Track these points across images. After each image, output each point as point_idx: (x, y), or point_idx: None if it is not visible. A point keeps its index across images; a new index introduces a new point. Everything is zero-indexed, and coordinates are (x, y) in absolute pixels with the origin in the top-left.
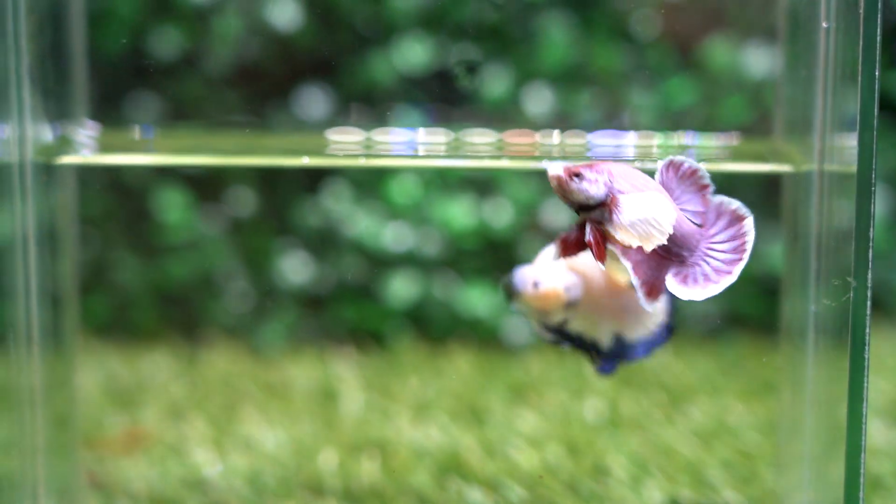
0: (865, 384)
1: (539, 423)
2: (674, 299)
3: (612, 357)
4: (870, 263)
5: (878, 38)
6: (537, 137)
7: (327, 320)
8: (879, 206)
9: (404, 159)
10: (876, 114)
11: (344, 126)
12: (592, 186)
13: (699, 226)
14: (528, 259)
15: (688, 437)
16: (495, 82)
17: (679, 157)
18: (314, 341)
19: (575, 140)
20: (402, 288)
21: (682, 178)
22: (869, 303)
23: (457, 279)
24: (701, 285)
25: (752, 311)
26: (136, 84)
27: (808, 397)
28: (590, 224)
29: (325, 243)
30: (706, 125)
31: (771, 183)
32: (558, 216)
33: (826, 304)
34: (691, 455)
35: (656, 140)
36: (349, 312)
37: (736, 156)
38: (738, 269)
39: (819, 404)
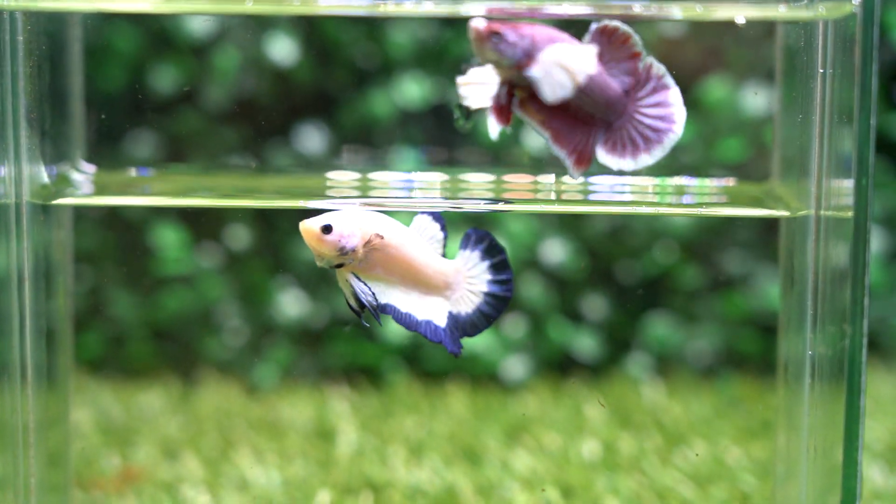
0: (861, 431)
1: (535, 463)
2: (499, 261)
3: (451, 335)
4: (865, 310)
5: (874, 85)
6: (536, 178)
7: (322, 357)
8: (876, 245)
9: (401, 202)
10: (872, 160)
11: (341, 164)
12: (509, 48)
13: (627, 91)
14: (527, 299)
15: (684, 478)
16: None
17: (613, 23)
18: (309, 379)
19: (572, 180)
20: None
21: (613, 44)
22: (864, 350)
23: None
24: (630, 154)
25: (749, 350)
26: (134, 121)
27: (804, 440)
28: (502, 87)
29: (320, 280)
30: (703, 163)
31: (768, 223)
32: (556, 252)
33: (822, 351)
34: (688, 497)
35: (653, 182)
36: (344, 350)
37: (733, 198)
38: (669, 141)
39: (815, 447)
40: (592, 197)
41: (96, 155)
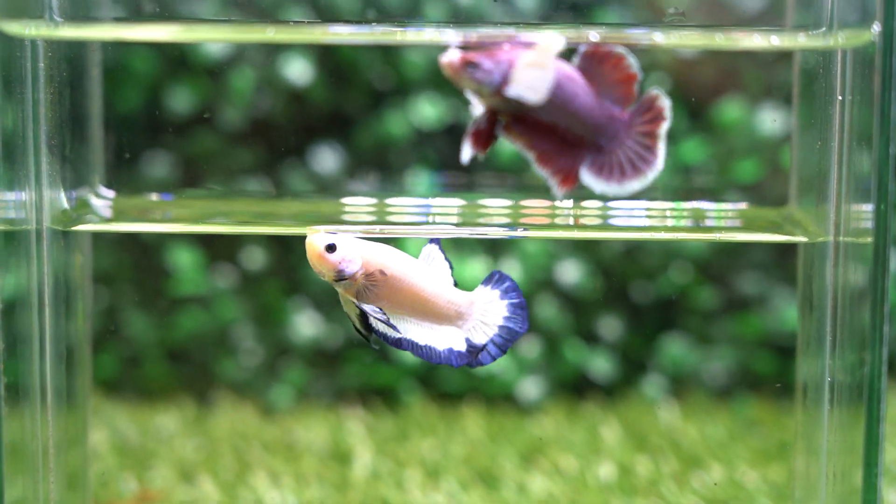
0: (881, 457)
1: (551, 485)
2: (518, 303)
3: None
4: (885, 337)
5: (894, 112)
6: (553, 203)
7: (338, 379)
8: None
9: (416, 228)
10: (891, 186)
11: (357, 187)
12: (486, 76)
13: (620, 115)
14: (542, 320)
15: (700, 502)
16: (508, 144)
17: (604, 47)
18: (325, 400)
19: (589, 205)
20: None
21: (604, 66)
22: (884, 377)
23: None
24: (616, 178)
25: (765, 371)
26: (152, 143)
27: (823, 463)
28: (485, 113)
29: (335, 302)
30: (720, 185)
31: (785, 245)
32: (571, 275)
33: (842, 377)
34: None
35: (670, 206)
36: (360, 371)
37: (750, 222)
38: (653, 172)
39: (835, 471)
40: (610, 222)
41: (115, 178)
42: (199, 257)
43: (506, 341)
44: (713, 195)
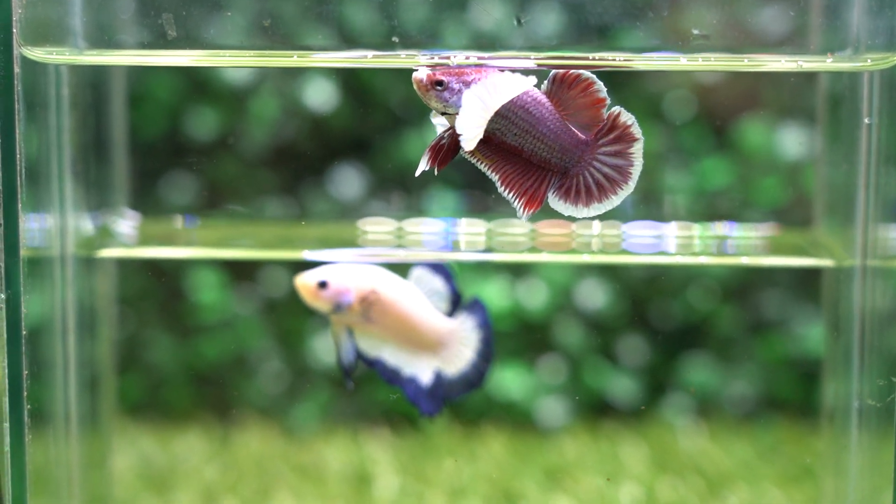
0: None
1: None
2: (487, 335)
3: (432, 396)
4: None
5: None
6: (573, 228)
7: (361, 401)
8: None
9: (437, 254)
10: None
11: (379, 209)
12: (454, 97)
13: (586, 138)
14: (565, 342)
15: None
16: None
17: (574, 71)
18: (348, 422)
19: (611, 231)
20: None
21: (573, 90)
22: None
23: None
24: (583, 201)
25: (790, 394)
26: (175, 168)
27: (851, 487)
28: (452, 131)
29: None
30: (743, 207)
31: (811, 269)
32: (593, 295)
33: (870, 403)
34: None
35: (696, 231)
36: (383, 393)
37: (775, 245)
38: (623, 193)
39: (863, 493)
40: (632, 247)
41: (139, 202)
42: (223, 277)
43: (476, 374)
44: (738, 217)
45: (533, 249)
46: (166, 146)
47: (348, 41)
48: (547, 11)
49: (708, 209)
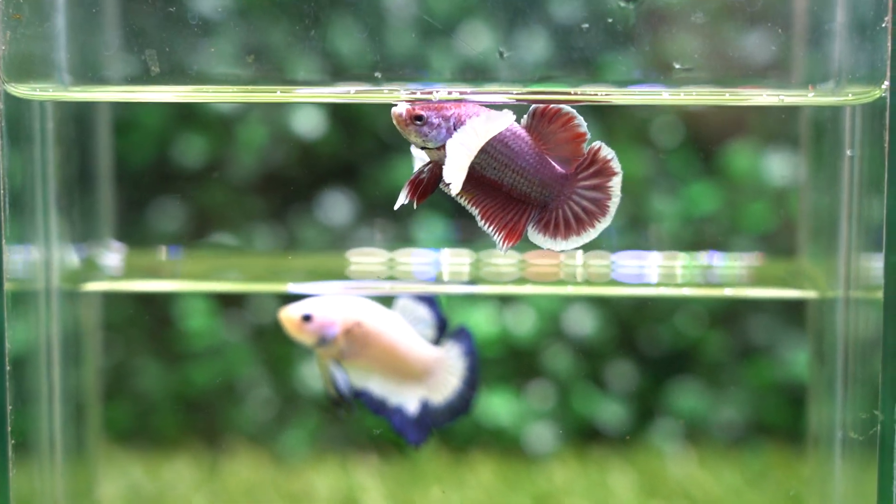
0: None
1: None
2: (473, 362)
3: (419, 425)
4: None
5: None
6: (562, 258)
7: (349, 427)
8: None
9: (424, 286)
10: None
11: (367, 236)
12: (433, 131)
13: (565, 172)
14: (553, 368)
15: None
16: None
17: (555, 105)
18: (336, 449)
19: (599, 261)
20: None
21: (553, 125)
22: None
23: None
24: (562, 234)
25: (778, 420)
26: (161, 198)
27: None
28: (427, 165)
29: None
30: (730, 233)
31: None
32: (581, 322)
33: (853, 434)
34: None
35: (681, 261)
36: (371, 420)
37: (760, 275)
38: (600, 226)
39: None
40: (619, 277)
41: (125, 233)
42: (211, 304)
43: (462, 403)
44: (724, 246)
45: (521, 280)
46: (153, 175)
47: (332, 74)
48: (531, 43)
49: (694, 236)
